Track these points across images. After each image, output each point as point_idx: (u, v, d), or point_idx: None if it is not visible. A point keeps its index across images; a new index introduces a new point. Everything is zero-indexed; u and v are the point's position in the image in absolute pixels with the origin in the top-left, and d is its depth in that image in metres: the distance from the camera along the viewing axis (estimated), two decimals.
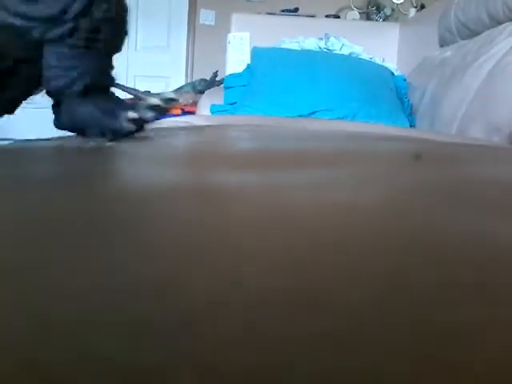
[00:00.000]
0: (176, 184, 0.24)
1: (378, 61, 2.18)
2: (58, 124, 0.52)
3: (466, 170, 0.28)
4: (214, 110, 1.81)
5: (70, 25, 0.41)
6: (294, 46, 2.13)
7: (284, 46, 2.07)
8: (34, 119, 3.46)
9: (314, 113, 1.71)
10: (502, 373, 0.11)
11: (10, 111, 0.48)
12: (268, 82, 1.73)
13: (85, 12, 0.41)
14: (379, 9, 3.23)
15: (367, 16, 3.27)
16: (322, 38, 2.21)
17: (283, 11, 2.78)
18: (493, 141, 1.14)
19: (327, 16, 3.01)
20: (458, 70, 1.56)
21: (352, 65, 1.98)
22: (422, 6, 3.00)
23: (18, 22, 0.39)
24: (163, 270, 0.14)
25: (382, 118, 1.71)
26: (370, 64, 2.08)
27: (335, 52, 2.14)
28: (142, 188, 0.23)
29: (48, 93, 0.49)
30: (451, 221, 0.18)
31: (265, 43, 1.99)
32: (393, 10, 3.20)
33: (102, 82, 0.47)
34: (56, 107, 0.51)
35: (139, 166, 0.30)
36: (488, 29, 1.55)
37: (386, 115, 1.75)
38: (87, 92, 0.45)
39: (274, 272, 0.14)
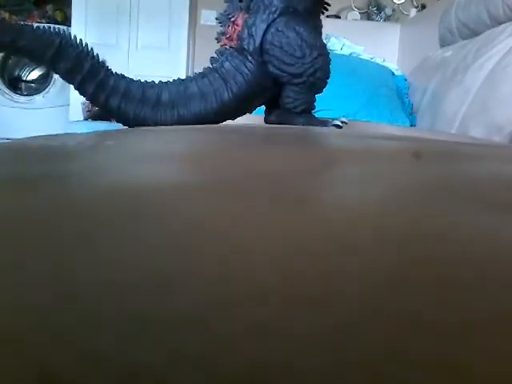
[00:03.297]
0: (182, 180, 0.24)
1: (379, 61, 2.18)
2: (268, 119, 0.81)
3: (467, 168, 0.28)
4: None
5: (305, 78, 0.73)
6: None
7: None
8: (34, 119, 3.48)
9: (314, 112, 1.71)
10: (504, 372, 0.11)
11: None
12: None
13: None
14: (380, 9, 3.23)
15: (368, 16, 3.27)
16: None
17: None
18: (494, 140, 1.14)
19: (328, 16, 3.01)
20: (458, 69, 1.56)
21: (353, 65, 1.98)
22: (423, 7, 3.00)
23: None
24: (164, 265, 0.14)
25: (383, 118, 1.71)
26: (370, 64, 2.08)
27: (336, 52, 2.14)
28: (144, 184, 0.23)
29: (270, 104, 0.79)
30: (451, 217, 0.18)
31: None
32: (393, 10, 3.20)
33: (312, 107, 0.78)
34: (269, 110, 0.81)
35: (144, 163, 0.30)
36: (489, 29, 1.55)
37: (387, 115, 1.75)
38: (303, 111, 0.76)
39: (277, 268, 0.14)
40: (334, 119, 0.79)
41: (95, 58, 0.69)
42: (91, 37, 3.19)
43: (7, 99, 3.57)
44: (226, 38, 0.76)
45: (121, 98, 0.70)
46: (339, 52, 2.15)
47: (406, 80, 2.03)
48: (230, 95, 0.73)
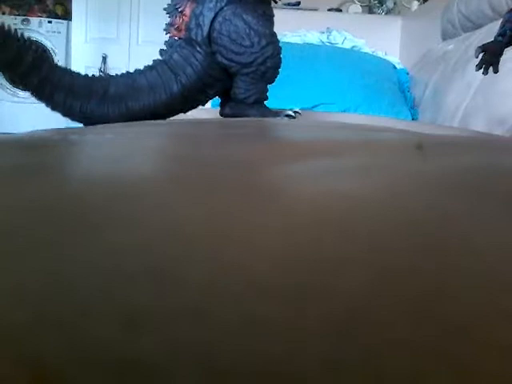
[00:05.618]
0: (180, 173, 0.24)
1: (381, 54, 2.17)
2: (222, 112, 0.79)
3: (467, 160, 0.28)
4: (215, 103, 1.80)
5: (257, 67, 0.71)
6: (296, 39, 2.12)
7: (286, 39, 2.06)
8: (36, 114, 3.47)
9: (316, 106, 1.71)
10: (508, 368, 0.10)
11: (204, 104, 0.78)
12: None
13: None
14: (381, 2, 3.22)
15: (369, 9, 3.26)
16: (324, 32, 2.20)
17: (285, 5, 2.77)
18: (495, 133, 1.14)
19: (329, 9, 2.99)
20: (460, 63, 1.55)
21: (354, 58, 1.97)
22: (425, 0, 2.99)
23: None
24: (163, 258, 0.14)
25: (385, 111, 1.71)
26: (372, 57, 2.07)
27: (337, 45, 2.13)
28: (140, 178, 0.23)
29: (224, 96, 0.78)
30: (452, 207, 0.18)
31: None
32: (395, 3, 3.19)
33: (263, 97, 0.75)
34: (223, 102, 0.78)
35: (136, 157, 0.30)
36: (491, 21, 1.54)
37: (389, 108, 1.75)
38: (255, 102, 0.74)
39: (275, 261, 0.14)
40: (286, 110, 0.77)
41: (38, 50, 0.66)
42: (92, 31, 3.18)
43: (8, 94, 3.57)
44: (175, 29, 0.75)
45: (66, 93, 0.68)
46: (341, 46, 2.15)
47: (407, 73, 2.03)
48: (180, 87, 0.72)
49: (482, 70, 0.78)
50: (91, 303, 0.11)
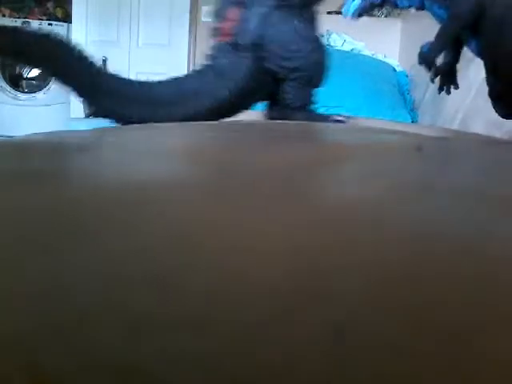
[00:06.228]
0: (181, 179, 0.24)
1: (380, 57, 2.18)
2: (269, 115, 0.79)
3: (466, 162, 0.28)
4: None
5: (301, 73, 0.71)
6: None
7: None
8: (35, 116, 3.47)
9: (315, 109, 1.70)
10: (505, 372, 0.10)
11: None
12: None
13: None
14: None
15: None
16: (323, 34, 2.20)
17: None
18: (494, 136, 1.14)
19: (329, 12, 2.99)
20: (460, 65, 1.55)
21: (354, 61, 1.97)
22: None
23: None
24: (164, 264, 0.14)
25: (384, 114, 1.71)
26: (371, 60, 2.07)
27: (337, 48, 2.13)
28: (141, 182, 0.23)
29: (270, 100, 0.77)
30: (451, 212, 0.18)
31: None
32: None
33: (311, 102, 0.75)
34: (269, 106, 0.78)
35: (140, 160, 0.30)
36: None
37: (388, 111, 1.75)
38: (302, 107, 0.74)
39: (277, 266, 0.14)
40: (333, 115, 0.78)
41: (87, 57, 0.67)
42: (92, 34, 3.18)
43: (9, 97, 3.57)
44: (221, 34, 0.74)
45: (114, 98, 0.68)
46: (340, 48, 2.15)
47: (407, 76, 2.03)
48: (226, 92, 0.72)
49: (445, 91, 0.80)
50: (91, 310, 0.12)
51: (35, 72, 3.71)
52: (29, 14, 3.70)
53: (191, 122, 0.65)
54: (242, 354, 0.10)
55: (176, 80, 0.73)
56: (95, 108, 0.71)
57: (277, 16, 0.71)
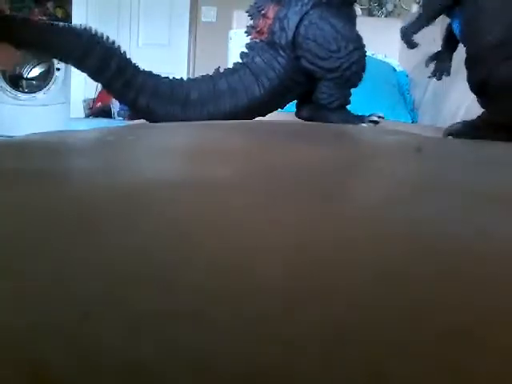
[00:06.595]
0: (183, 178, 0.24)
1: (380, 57, 2.17)
2: (299, 115, 0.79)
3: (466, 162, 0.28)
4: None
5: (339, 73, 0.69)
6: None
7: None
8: (35, 116, 3.47)
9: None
10: (504, 372, 0.10)
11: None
12: None
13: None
14: (381, 5, 3.22)
15: (369, 12, 3.26)
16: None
17: None
18: None
19: None
20: (461, 64, 1.55)
21: None
22: None
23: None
24: (163, 260, 0.14)
25: (384, 114, 1.71)
26: (371, 60, 2.07)
27: None
28: (145, 181, 0.23)
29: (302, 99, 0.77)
30: (451, 211, 0.18)
31: None
32: (395, 5, 3.19)
33: (346, 102, 0.74)
34: (301, 104, 0.78)
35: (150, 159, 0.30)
36: None
37: (388, 111, 1.75)
38: (338, 107, 0.73)
39: (276, 265, 0.14)
40: (369, 115, 0.76)
41: (123, 55, 0.67)
42: None
43: (9, 97, 3.57)
44: (257, 32, 0.73)
45: (149, 97, 0.68)
46: None
47: (407, 76, 2.03)
48: (262, 91, 0.71)
49: (436, 76, 0.81)
50: (92, 308, 0.11)
51: (35, 72, 3.72)
52: (29, 15, 3.70)
53: (217, 121, 0.65)
54: (241, 353, 0.10)
55: (211, 78, 0.72)
56: (130, 107, 0.70)
57: (315, 14, 0.70)
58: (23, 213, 0.18)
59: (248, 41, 0.75)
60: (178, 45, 3.26)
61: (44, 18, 3.68)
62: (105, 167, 0.28)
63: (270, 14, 0.72)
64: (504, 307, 0.12)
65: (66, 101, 3.34)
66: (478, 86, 0.62)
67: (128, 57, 0.67)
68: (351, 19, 0.75)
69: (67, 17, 3.61)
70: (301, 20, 0.70)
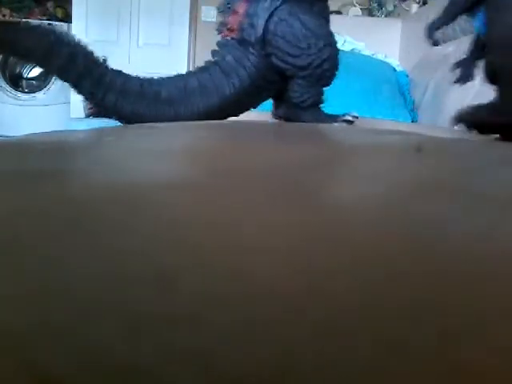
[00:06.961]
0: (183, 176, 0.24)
1: (380, 57, 2.18)
2: (276, 114, 0.78)
3: (465, 162, 0.28)
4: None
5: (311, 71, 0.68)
6: None
7: None
8: (35, 116, 3.47)
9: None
10: (505, 372, 0.10)
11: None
12: None
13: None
14: (381, 5, 3.22)
15: (369, 12, 3.26)
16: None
17: None
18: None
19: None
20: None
21: (354, 61, 1.97)
22: (424, 2, 2.99)
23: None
24: (163, 262, 0.14)
25: (384, 114, 1.71)
26: (372, 60, 2.08)
27: None
28: (146, 180, 0.23)
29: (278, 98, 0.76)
30: (450, 212, 0.18)
31: None
32: (395, 5, 3.19)
33: (320, 101, 0.73)
34: (277, 104, 0.77)
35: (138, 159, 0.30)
36: None
37: (388, 111, 1.75)
38: (311, 106, 0.72)
39: (274, 265, 0.14)
40: (343, 114, 0.74)
41: (90, 54, 0.65)
42: (92, 34, 3.18)
43: (9, 96, 3.57)
44: (227, 29, 0.71)
45: (118, 95, 0.66)
46: (340, 48, 2.15)
47: (407, 76, 2.03)
48: (232, 90, 0.69)
49: (461, 82, 0.81)
50: (91, 310, 0.11)
51: (35, 72, 3.72)
52: (28, 14, 3.70)
53: (192, 122, 0.64)
54: (241, 354, 0.10)
55: (181, 77, 0.70)
56: (97, 106, 0.70)
57: (285, 10, 0.68)
58: (23, 213, 0.18)
59: (219, 38, 0.73)
60: (178, 44, 3.26)
61: (44, 17, 3.68)
62: (105, 167, 0.28)
63: (240, 11, 0.70)
64: (504, 307, 0.12)
65: (66, 101, 3.34)
66: (495, 74, 0.61)
67: (95, 55, 0.66)
68: (324, 15, 0.72)
69: (67, 17, 3.61)
70: (270, 16, 0.68)
